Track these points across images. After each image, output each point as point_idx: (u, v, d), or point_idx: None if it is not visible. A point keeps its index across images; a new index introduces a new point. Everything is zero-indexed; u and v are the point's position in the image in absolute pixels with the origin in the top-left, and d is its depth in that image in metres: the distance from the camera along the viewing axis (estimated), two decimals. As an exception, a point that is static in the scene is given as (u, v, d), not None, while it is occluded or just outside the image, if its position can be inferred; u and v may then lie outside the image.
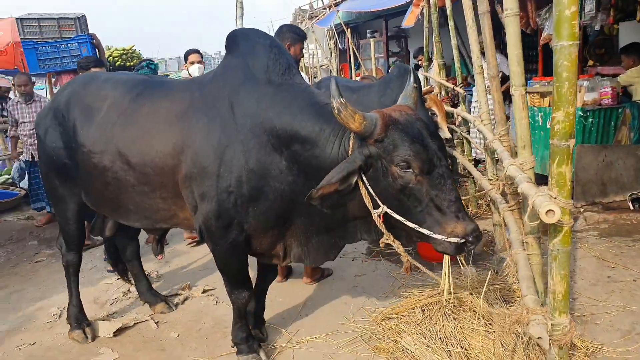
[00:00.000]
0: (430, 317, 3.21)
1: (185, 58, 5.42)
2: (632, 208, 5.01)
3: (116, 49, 11.08)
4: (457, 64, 5.21)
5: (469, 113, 5.67)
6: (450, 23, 5.34)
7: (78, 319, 3.38)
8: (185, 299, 3.86)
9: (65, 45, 6.30)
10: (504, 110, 3.39)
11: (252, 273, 3.02)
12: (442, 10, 7.23)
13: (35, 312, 3.81)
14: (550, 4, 6.08)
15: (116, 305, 3.85)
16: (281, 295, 3.81)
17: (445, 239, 2.11)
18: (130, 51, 11.07)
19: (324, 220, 2.54)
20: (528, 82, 5.88)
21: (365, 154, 2.19)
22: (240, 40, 2.65)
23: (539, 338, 2.01)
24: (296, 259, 2.76)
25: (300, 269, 4.23)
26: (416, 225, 2.16)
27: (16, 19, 6.57)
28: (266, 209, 2.52)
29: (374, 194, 2.22)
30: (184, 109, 2.61)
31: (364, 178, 2.22)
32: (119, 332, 3.39)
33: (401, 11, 10.30)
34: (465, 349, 2.84)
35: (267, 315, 3.40)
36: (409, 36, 11.57)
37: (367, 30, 12.08)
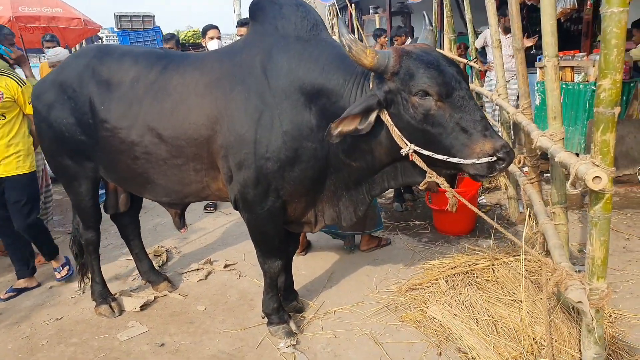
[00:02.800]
0: (455, 287, 3.27)
1: (204, 33, 5.44)
2: (642, 181, 5.07)
3: (188, 32, 12.88)
4: (471, 39, 5.19)
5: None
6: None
7: (102, 294, 3.40)
8: (209, 273, 3.89)
9: (147, 34, 9.64)
10: (527, 83, 3.40)
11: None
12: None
13: (58, 288, 3.84)
14: (564, -22, 6.01)
15: (138, 280, 3.87)
16: (304, 269, 3.86)
17: (476, 162, 2.10)
18: (198, 32, 12.67)
19: (353, 174, 2.58)
20: (538, 57, 5.88)
21: (385, 90, 2.20)
22: (266, 6, 2.63)
23: (578, 302, 2.05)
24: (330, 221, 2.80)
25: (320, 243, 4.28)
26: (445, 157, 2.16)
27: (115, 15, 9.47)
28: (301, 171, 2.54)
29: (398, 132, 2.23)
30: (215, 78, 2.60)
31: (388, 117, 2.23)
32: (145, 306, 3.43)
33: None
34: (492, 317, 2.90)
35: (290, 287, 3.45)
36: (412, 12, 11.47)
37: (370, 6, 11.96)
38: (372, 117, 2.21)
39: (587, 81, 5.15)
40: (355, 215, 2.73)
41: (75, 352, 2.98)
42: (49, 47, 6.01)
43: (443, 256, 3.78)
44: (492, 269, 3.38)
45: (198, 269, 3.98)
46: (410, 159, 2.26)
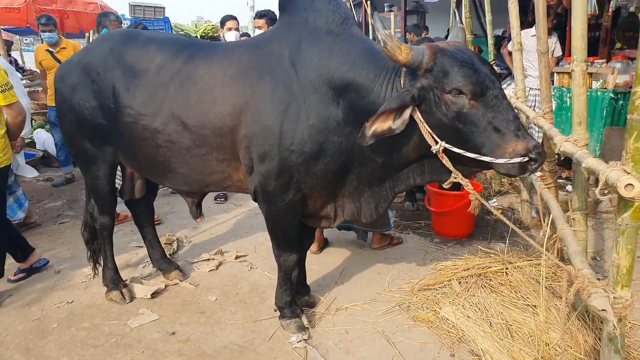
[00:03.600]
0: (468, 289, 3.25)
1: (222, 24, 5.43)
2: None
3: (207, 26, 13.59)
4: (490, 41, 5.15)
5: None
6: (485, -3, 5.26)
7: (114, 280, 3.40)
8: (220, 264, 3.89)
9: (157, 23, 10.17)
10: (550, 87, 3.37)
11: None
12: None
13: (68, 272, 3.83)
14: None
15: (148, 268, 3.87)
16: (315, 264, 3.84)
17: (508, 161, 2.08)
18: (216, 26, 13.23)
19: (378, 170, 2.56)
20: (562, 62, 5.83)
21: (417, 87, 2.18)
22: None
23: (602, 310, 2.03)
24: (349, 216, 2.79)
25: (338, 240, 4.26)
26: (476, 155, 2.14)
27: (129, 4, 10.22)
28: (324, 165, 2.53)
29: (429, 129, 2.21)
30: (243, 69, 2.59)
31: (418, 114, 2.21)
32: (156, 294, 3.42)
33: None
34: (507, 321, 2.89)
35: (302, 282, 3.44)
36: (427, 11, 11.43)
37: (385, 4, 11.91)
38: (407, 114, 2.18)
39: (606, 88, 5.11)
40: (376, 212, 2.72)
41: (87, 337, 2.97)
42: (44, 31, 5.77)
43: (455, 257, 3.76)
44: (505, 272, 3.37)
45: (209, 259, 3.97)
46: (440, 156, 2.24)
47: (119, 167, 3.24)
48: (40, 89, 8.19)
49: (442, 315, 3.04)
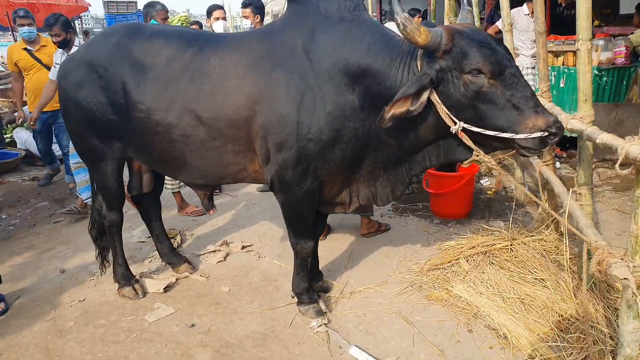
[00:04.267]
0: (476, 267, 3.35)
1: (209, 14, 5.32)
2: (640, 164, 5.23)
3: (180, 17, 13.23)
4: (477, 23, 5.22)
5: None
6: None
7: (125, 276, 3.38)
8: (227, 255, 3.89)
9: (130, 17, 10.28)
10: (547, 66, 3.46)
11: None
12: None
13: (74, 271, 3.79)
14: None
15: (155, 262, 3.85)
16: (322, 250, 3.86)
17: (529, 136, 2.15)
18: (187, 18, 13.07)
19: (393, 154, 2.61)
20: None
21: (435, 68, 2.23)
22: None
23: (624, 279, 2.13)
24: (365, 201, 2.83)
25: (341, 224, 4.31)
26: (496, 132, 2.21)
27: (103, 1, 10.62)
28: (341, 151, 2.56)
29: (447, 110, 2.26)
30: (255, 59, 2.59)
31: (435, 95, 2.26)
32: (168, 287, 3.42)
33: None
34: (519, 295, 2.99)
35: (313, 268, 3.48)
36: (402, -5, 11.45)
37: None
38: (425, 96, 2.23)
39: (589, 66, 5.25)
40: (392, 195, 2.77)
41: (106, 334, 2.97)
42: (22, 25, 5.31)
43: (458, 237, 3.85)
44: (510, 248, 3.47)
45: (215, 251, 3.98)
46: (460, 136, 2.29)
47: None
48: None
49: (455, 293, 3.13)
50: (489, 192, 5.02)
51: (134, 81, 2.74)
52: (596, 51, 5.19)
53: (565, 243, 2.97)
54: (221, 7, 5.41)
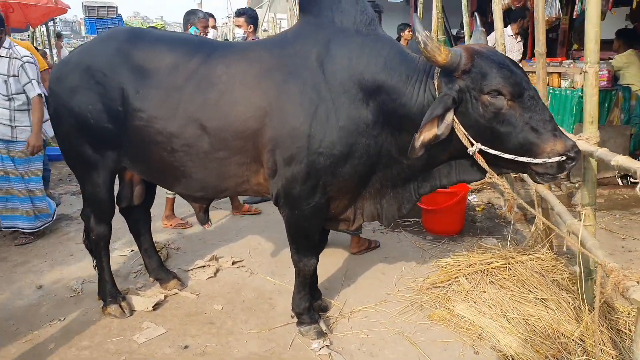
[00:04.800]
0: (477, 285, 3.30)
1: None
2: (620, 184, 5.36)
3: (156, 24, 14.51)
4: (467, 41, 5.27)
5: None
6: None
7: (112, 293, 3.18)
8: (217, 270, 3.73)
9: (111, 22, 10.27)
10: (546, 87, 3.48)
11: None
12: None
13: (52, 287, 3.55)
14: (551, -14, 6.22)
15: (140, 278, 3.66)
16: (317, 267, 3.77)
17: (547, 160, 2.13)
18: (164, 26, 13.57)
19: (403, 172, 2.56)
20: (528, 61, 6.06)
21: (455, 88, 2.19)
22: None
23: (643, 302, 2.11)
24: (369, 219, 2.77)
25: (334, 240, 4.20)
26: (513, 156, 2.18)
27: (83, 4, 10.38)
28: (352, 167, 2.49)
29: (464, 131, 2.22)
30: (265, 70, 2.49)
31: (453, 116, 2.22)
32: (157, 305, 3.24)
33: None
34: (523, 315, 2.95)
35: (308, 286, 3.36)
36: (382, 11, 11.56)
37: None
38: (450, 118, 2.19)
39: (574, 87, 5.37)
40: (399, 213, 2.70)
41: (91, 356, 2.77)
42: None
43: (453, 254, 3.82)
44: (508, 267, 3.45)
45: (204, 266, 3.80)
46: (476, 158, 2.25)
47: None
48: None
49: (458, 313, 3.08)
50: (477, 208, 5.03)
51: (134, 88, 2.59)
52: (580, 74, 5.30)
53: (579, 262, 2.92)
54: (211, 16, 5.29)
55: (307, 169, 2.47)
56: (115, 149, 2.77)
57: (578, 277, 3.08)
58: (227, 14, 24.37)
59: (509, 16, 6.26)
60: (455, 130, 2.24)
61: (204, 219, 3.07)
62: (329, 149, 2.43)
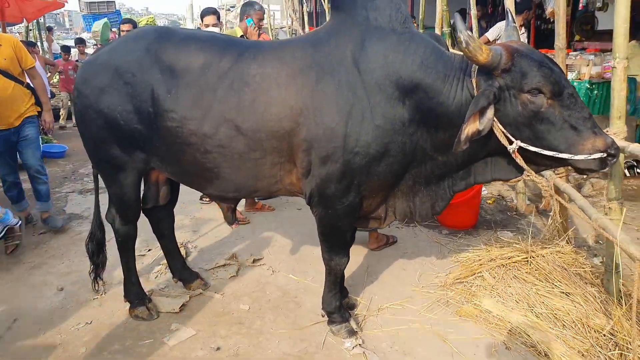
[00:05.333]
0: (501, 280, 3.33)
1: (202, 18, 5.08)
2: (627, 174, 5.42)
3: (148, 18, 14.14)
4: (475, 34, 5.26)
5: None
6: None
7: (139, 295, 3.17)
8: (238, 269, 3.72)
9: (111, 16, 10.45)
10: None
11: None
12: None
13: (73, 289, 3.52)
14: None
15: (161, 278, 3.64)
16: (337, 264, 3.77)
17: (588, 157, 2.15)
18: (153, 19, 13.81)
19: (438, 169, 2.57)
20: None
21: (495, 86, 2.20)
22: None
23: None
24: (402, 217, 2.78)
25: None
26: (554, 153, 2.19)
27: (82, 1, 10.88)
28: (387, 166, 2.49)
29: (502, 128, 2.23)
30: (299, 69, 2.47)
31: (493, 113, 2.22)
32: (183, 306, 3.23)
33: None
34: (551, 310, 2.99)
35: (331, 284, 3.36)
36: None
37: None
38: (490, 113, 2.19)
39: (581, 79, 5.40)
40: (432, 211, 2.71)
41: (125, 360, 2.75)
42: None
43: (471, 248, 3.85)
44: (529, 261, 3.49)
45: (225, 265, 3.80)
46: (514, 156, 2.26)
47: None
48: None
49: (485, 309, 3.10)
50: (488, 201, 5.06)
51: (165, 88, 2.55)
52: (587, 65, 5.34)
53: (606, 256, 2.94)
54: (214, 12, 5.10)
55: (343, 169, 2.46)
56: (145, 150, 2.74)
57: (604, 271, 3.13)
58: (217, 6, 24.06)
59: (515, 8, 6.25)
60: (494, 128, 2.24)
61: (232, 219, 3.06)
62: (365, 148, 2.42)
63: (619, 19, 2.67)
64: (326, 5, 10.02)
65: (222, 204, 3.00)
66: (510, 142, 2.24)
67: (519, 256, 3.56)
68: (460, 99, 2.32)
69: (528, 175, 2.39)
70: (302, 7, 14.36)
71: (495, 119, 2.23)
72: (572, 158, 2.19)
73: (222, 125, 2.50)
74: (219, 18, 5.13)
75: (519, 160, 2.28)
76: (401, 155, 2.48)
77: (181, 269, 3.44)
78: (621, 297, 3.05)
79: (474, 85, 2.28)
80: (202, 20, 5.24)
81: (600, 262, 3.61)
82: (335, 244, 2.78)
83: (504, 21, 6.23)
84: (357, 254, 3.94)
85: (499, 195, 5.26)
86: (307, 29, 12.62)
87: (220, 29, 5.02)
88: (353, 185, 2.53)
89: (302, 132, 2.45)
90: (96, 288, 3.33)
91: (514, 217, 4.67)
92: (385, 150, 2.44)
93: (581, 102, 2.24)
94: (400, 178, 2.61)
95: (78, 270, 3.76)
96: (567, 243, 3.66)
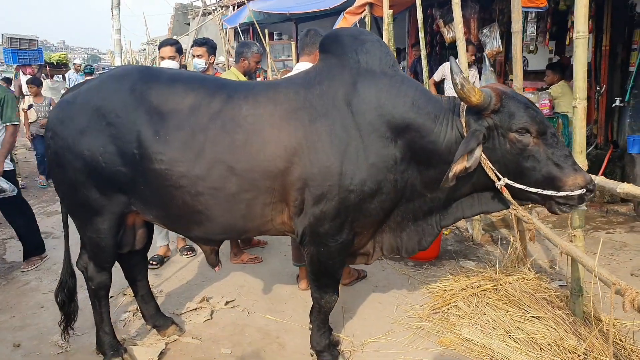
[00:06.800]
0: (476, 308, 3.46)
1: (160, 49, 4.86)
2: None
3: (60, 54, 14.07)
4: (425, 74, 5.56)
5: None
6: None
7: (113, 346, 2.96)
8: (212, 312, 3.59)
9: (33, 53, 10.48)
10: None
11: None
12: (376, 20, 7.65)
13: (32, 345, 3.23)
14: (492, 24, 6.77)
15: (131, 326, 3.44)
16: (310, 300, 3.74)
17: (570, 193, 2.31)
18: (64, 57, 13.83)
19: (425, 205, 2.66)
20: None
21: (484, 125, 2.35)
22: (345, 40, 2.63)
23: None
24: (389, 252, 2.84)
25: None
26: (539, 189, 2.35)
27: (4, 35, 10.34)
28: (379, 203, 2.55)
29: (491, 165, 2.38)
30: (292, 109, 2.50)
31: (481, 151, 2.36)
32: (161, 355, 3.06)
33: (311, 17, 10.57)
34: (528, 334, 3.13)
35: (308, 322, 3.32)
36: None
37: (274, 32, 12.10)
38: (478, 152, 2.32)
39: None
40: (419, 246, 2.79)
41: (106, 419, 2.55)
42: None
43: (440, 278, 3.98)
44: (497, 288, 3.65)
45: (197, 308, 3.65)
46: (502, 191, 2.40)
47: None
48: None
49: (465, 337, 3.19)
50: (445, 232, 5.26)
51: (153, 130, 2.48)
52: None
53: (572, 281, 3.13)
54: (172, 44, 4.75)
55: (337, 206, 2.49)
56: (127, 192, 2.63)
57: (570, 294, 3.34)
58: (146, 41, 23.67)
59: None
60: (482, 164, 2.38)
61: (215, 261, 2.97)
62: (360, 186, 2.47)
63: (578, 64, 2.94)
64: (267, 45, 10.17)
65: (205, 247, 2.91)
66: (499, 179, 2.39)
67: (487, 284, 3.73)
68: (450, 137, 2.45)
69: (514, 209, 2.53)
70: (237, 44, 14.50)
71: (484, 156, 2.38)
72: (556, 194, 2.36)
73: (214, 167, 2.46)
74: (179, 50, 4.82)
75: (506, 195, 2.43)
76: (393, 193, 2.56)
77: (155, 315, 3.27)
78: (586, 318, 3.27)
79: (463, 125, 2.42)
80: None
81: (560, 285, 3.85)
82: (326, 282, 2.78)
83: (447, 63, 6.64)
84: (331, 290, 3.94)
85: (453, 226, 5.48)
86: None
87: (181, 63, 4.81)
88: (346, 223, 2.56)
89: (296, 171, 2.47)
90: (66, 339, 3.07)
91: (472, 246, 4.88)
92: (379, 188, 2.51)
93: (562, 141, 2.44)
94: (390, 214, 2.68)
95: (33, 324, 3.48)
96: (529, 270, 3.88)
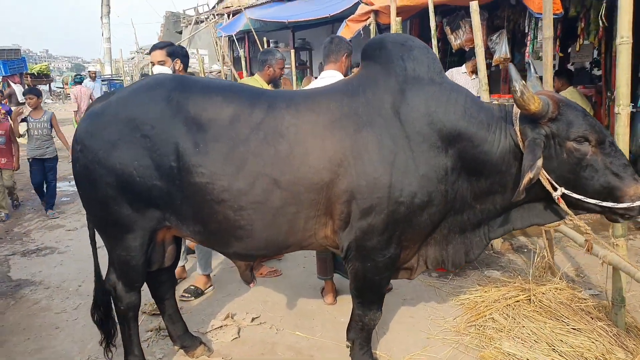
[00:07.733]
0: (513, 320, 3.36)
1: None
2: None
3: (41, 65, 14.85)
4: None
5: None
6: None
7: (143, 370, 2.80)
8: (239, 330, 3.44)
9: (17, 63, 10.87)
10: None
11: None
12: (379, 28, 7.60)
13: (55, 367, 3.05)
14: (500, 30, 6.73)
15: (155, 346, 3.26)
16: (341, 316, 3.61)
17: (632, 205, 2.24)
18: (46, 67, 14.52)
19: (475, 217, 2.57)
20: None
21: (542, 134, 2.27)
22: (389, 46, 2.52)
23: None
24: (434, 265, 2.73)
25: (341, 287, 4.04)
26: (597, 200, 2.28)
27: None
28: (429, 216, 2.45)
29: (547, 175, 2.29)
30: (335, 119, 2.39)
31: None
32: (191, 377, 2.90)
33: (308, 25, 10.50)
34: (572, 348, 3.03)
35: (341, 338, 3.19)
36: (313, 49, 11.80)
37: (270, 40, 12.00)
38: (540, 162, 2.22)
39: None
40: (466, 259, 2.69)
41: None
42: None
43: (468, 289, 3.87)
44: (531, 300, 3.56)
45: (222, 326, 3.49)
46: (558, 201, 2.31)
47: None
48: None
49: (507, 351, 3.08)
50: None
51: (193, 141, 2.34)
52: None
53: (612, 291, 3.04)
54: (163, 47, 4.25)
55: (386, 220, 2.38)
56: (161, 207, 2.48)
57: (611, 304, 3.25)
58: (135, 49, 23.40)
59: (465, 55, 6.66)
60: (539, 175, 2.29)
61: (250, 277, 2.84)
62: (410, 198, 2.36)
63: (621, 70, 2.88)
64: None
65: (240, 262, 2.77)
66: (555, 189, 2.29)
67: (519, 295, 3.63)
68: (504, 146, 2.36)
69: (571, 220, 2.44)
70: (232, 52, 14.38)
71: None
72: (616, 206, 2.27)
73: (258, 180, 2.33)
74: (172, 54, 4.20)
75: (563, 206, 2.34)
76: (443, 204, 2.46)
77: (183, 335, 3.10)
78: (628, 329, 3.18)
79: (518, 133, 2.33)
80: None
81: (591, 295, 3.77)
82: (369, 298, 2.67)
83: (451, 70, 6.56)
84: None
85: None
86: (236, 75, 12.53)
87: (175, 69, 4.22)
88: (395, 237, 2.45)
89: (342, 184, 2.35)
90: (110, 357, 2.88)
91: (493, 255, 4.79)
92: (429, 200, 2.40)
93: (620, 150, 2.36)
94: (437, 227, 2.57)
95: (50, 347, 3.29)
96: (560, 279, 3.79)
